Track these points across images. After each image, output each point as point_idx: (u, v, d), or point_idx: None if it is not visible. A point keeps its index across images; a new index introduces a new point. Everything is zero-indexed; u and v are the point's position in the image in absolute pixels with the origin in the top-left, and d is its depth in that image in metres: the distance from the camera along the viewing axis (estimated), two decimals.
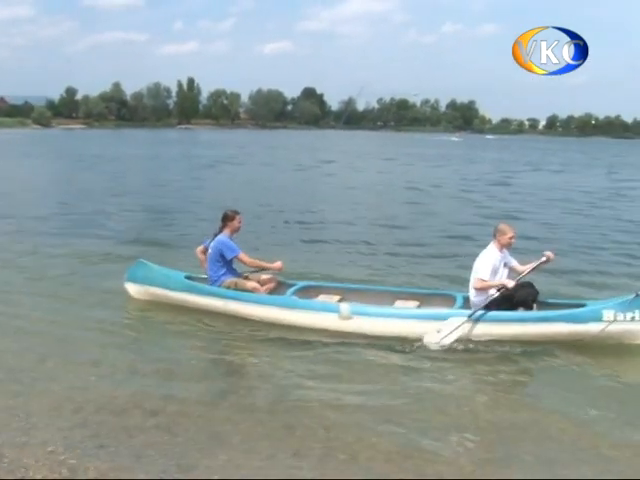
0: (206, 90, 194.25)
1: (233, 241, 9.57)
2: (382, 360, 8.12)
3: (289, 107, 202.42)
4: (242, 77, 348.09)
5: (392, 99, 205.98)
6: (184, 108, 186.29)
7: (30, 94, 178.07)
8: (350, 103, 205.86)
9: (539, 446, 5.96)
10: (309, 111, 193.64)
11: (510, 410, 6.98)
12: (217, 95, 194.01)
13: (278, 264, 9.62)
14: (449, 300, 9.19)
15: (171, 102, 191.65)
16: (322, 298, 9.47)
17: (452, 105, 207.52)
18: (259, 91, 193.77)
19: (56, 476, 5.13)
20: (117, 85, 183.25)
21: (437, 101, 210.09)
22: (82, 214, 20.27)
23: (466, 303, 8.89)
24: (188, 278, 9.92)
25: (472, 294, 8.84)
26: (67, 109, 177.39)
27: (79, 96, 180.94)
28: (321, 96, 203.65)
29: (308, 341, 8.63)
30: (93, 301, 10.33)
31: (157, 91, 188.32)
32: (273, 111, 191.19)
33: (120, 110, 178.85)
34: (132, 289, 10.15)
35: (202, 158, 51.21)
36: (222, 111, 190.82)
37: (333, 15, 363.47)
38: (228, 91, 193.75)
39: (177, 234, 17.16)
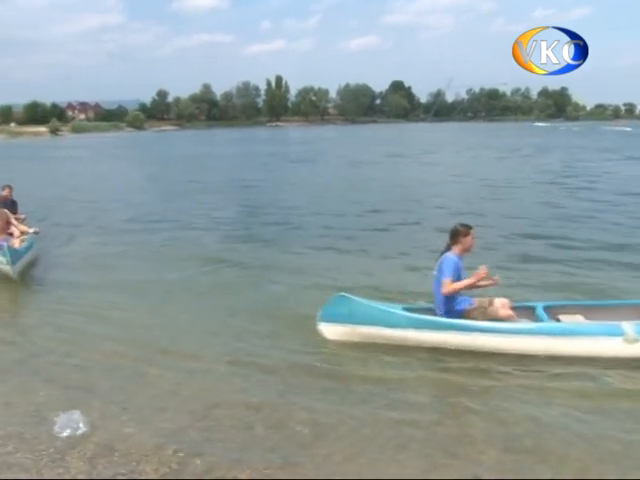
0: (294, 87, 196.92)
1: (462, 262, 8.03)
2: None
3: (377, 101, 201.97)
4: (329, 73, 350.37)
5: (482, 89, 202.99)
6: (273, 106, 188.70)
7: (123, 98, 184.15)
8: (439, 95, 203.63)
9: None
10: (398, 104, 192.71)
11: None
12: (305, 92, 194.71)
13: (495, 279, 8.13)
14: None
15: (260, 100, 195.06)
16: (564, 318, 8.12)
17: (544, 93, 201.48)
18: (347, 86, 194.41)
19: (166, 469, 5.17)
20: (207, 86, 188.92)
21: (528, 89, 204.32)
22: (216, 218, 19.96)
23: None
24: (406, 310, 8.24)
25: None
26: (159, 111, 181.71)
27: (170, 98, 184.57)
28: (409, 89, 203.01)
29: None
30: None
31: (246, 90, 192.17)
32: (362, 106, 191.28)
33: (210, 110, 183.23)
34: (331, 330, 8.24)
35: (300, 155, 51.92)
36: (311, 108, 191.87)
37: (418, 7, 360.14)
38: (316, 87, 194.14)
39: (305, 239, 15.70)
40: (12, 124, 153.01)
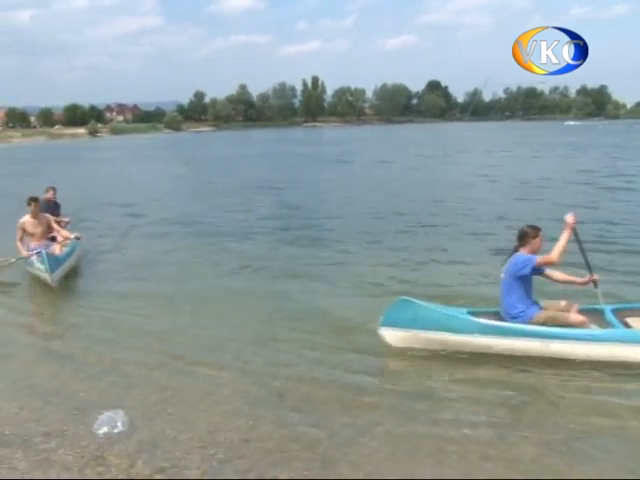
0: (330, 88, 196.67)
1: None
2: None
3: (414, 101, 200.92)
4: (365, 73, 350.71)
5: (519, 88, 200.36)
6: (309, 106, 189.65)
7: (161, 100, 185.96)
8: (476, 94, 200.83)
9: None
10: (434, 104, 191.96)
11: None
12: (342, 92, 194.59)
13: (595, 278, 7.86)
14: None
15: (296, 101, 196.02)
16: (632, 321, 7.73)
17: (583, 91, 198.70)
18: (383, 86, 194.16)
19: (206, 467, 5.20)
20: (243, 87, 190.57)
21: (566, 88, 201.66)
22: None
23: None
24: (471, 314, 7.91)
25: None
26: (196, 113, 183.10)
27: (207, 99, 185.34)
28: (446, 88, 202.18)
29: None
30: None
31: (282, 91, 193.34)
32: (398, 105, 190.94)
33: (247, 111, 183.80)
34: (392, 335, 7.87)
35: (336, 155, 51.55)
36: (347, 108, 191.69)
37: (454, 6, 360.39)
38: (352, 88, 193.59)
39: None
40: (57, 126, 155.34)
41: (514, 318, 7.67)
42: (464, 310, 8.10)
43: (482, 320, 7.69)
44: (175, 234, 16.82)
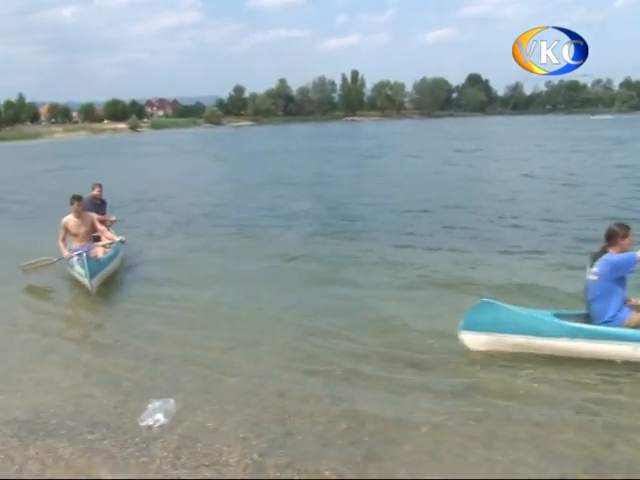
0: (370, 82, 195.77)
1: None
2: None
3: (454, 95, 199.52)
4: (405, 67, 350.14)
5: (561, 81, 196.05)
6: (349, 100, 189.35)
7: (201, 95, 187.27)
8: (517, 88, 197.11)
9: None
10: (475, 98, 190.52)
11: None
12: (381, 86, 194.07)
13: None
14: None
15: (336, 95, 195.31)
16: None
17: (626, 84, 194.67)
18: (423, 80, 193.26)
19: (248, 461, 5.20)
20: (283, 81, 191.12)
21: (610, 80, 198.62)
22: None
23: None
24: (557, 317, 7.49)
25: None
26: (236, 107, 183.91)
27: (247, 94, 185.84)
28: (486, 82, 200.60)
29: None
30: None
31: (322, 85, 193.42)
32: (438, 99, 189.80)
33: (287, 105, 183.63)
34: (474, 339, 7.51)
35: (375, 149, 51.05)
36: (387, 102, 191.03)
37: None
38: (392, 82, 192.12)
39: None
40: (105, 121, 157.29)
41: (607, 322, 7.30)
42: (548, 313, 7.70)
43: (572, 323, 7.36)
44: (214, 229, 16.91)
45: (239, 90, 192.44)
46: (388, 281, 10.95)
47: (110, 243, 11.89)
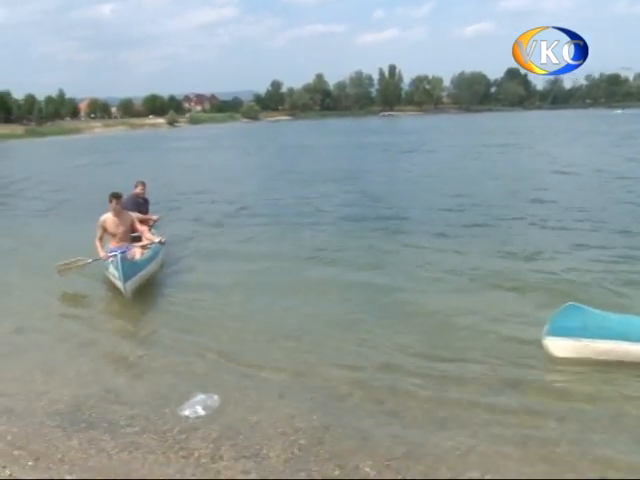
0: (407, 76, 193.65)
1: None
2: None
3: (492, 89, 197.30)
4: (443, 61, 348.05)
5: (602, 75, 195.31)
6: (386, 95, 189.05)
7: (238, 89, 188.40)
8: (556, 82, 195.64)
9: None
10: (513, 92, 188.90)
11: None
12: (419, 81, 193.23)
13: None
14: None
15: (373, 90, 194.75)
16: None
17: None
18: (462, 74, 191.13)
19: (288, 455, 5.22)
20: (320, 76, 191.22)
21: None
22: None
23: None
24: None
25: None
26: (273, 102, 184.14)
27: (284, 89, 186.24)
28: (525, 76, 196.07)
29: None
30: None
31: (359, 80, 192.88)
32: (476, 94, 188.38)
33: (324, 100, 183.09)
34: (560, 346, 7.10)
35: (412, 144, 50.75)
36: (424, 96, 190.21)
37: None
38: (430, 76, 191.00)
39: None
40: (150, 116, 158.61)
41: None
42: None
43: None
44: (250, 225, 16.80)
45: (276, 85, 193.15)
46: (427, 276, 10.84)
47: (149, 244, 11.37)
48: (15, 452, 5.46)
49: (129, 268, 10.02)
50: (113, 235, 11.08)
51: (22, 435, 5.77)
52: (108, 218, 11.00)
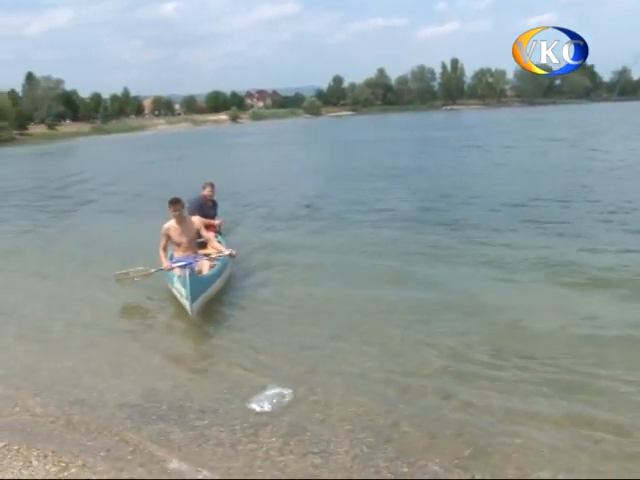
0: (470, 70, 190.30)
1: None
2: None
3: (557, 81, 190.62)
4: (506, 54, 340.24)
5: None
6: (449, 89, 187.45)
7: (299, 85, 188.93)
8: (624, 72, 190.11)
9: None
10: (579, 84, 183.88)
11: None
12: (482, 74, 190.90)
13: None
14: None
15: (435, 84, 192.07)
16: None
17: None
18: None
19: (356, 452, 5.20)
20: (381, 71, 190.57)
21: None
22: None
23: None
24: None
25: None
26: (335, 97, 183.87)
27: (345, 84, 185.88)
28: (591, 67, 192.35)
29: None
30: None
31: (421, 74, 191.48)
32: (541, 86, 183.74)
33: (385, 95, 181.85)
34: None
35: (476, 139, 49.79)
36: (487, 90, 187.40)
37: None
38: (493, 69, 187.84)
39: None
40: (223, 113, 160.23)
41: None
42: None
43: None
44: (315, 222, 16.69)
45: (338, 80, 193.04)
46: (495, 274, 10.59)
47: (218, 256, 10.45)
48: (89, 443, 5.60)
49: (197, 285, 9.02)
50: (178, 244, 10.28)
51: (94, 426, 5.91)
52: (171, 226, 10.15)
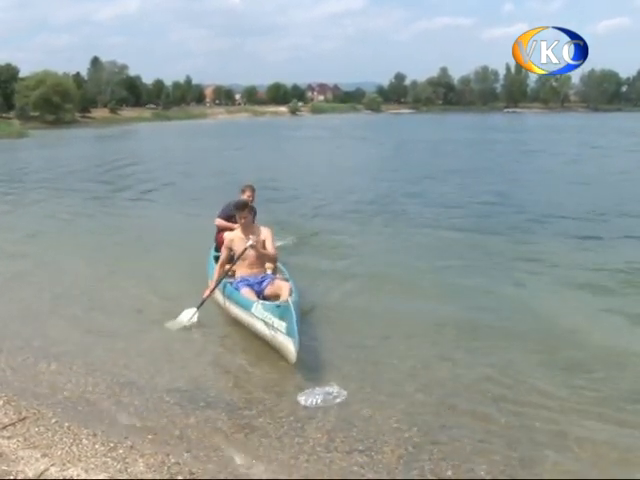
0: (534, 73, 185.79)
1: None
2: None
3: (624, 88, 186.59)
4: None
5: None
6: (511, 92, 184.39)
7: (361, 80, 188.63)
8: None
9: None
10: None
11: None
12: (546, 78, 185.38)
13: None
14: None
15: (498, 86, 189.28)
16: None
17: None
18: (592, 72, 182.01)
19: (402, 451, 5.16)
20: (444, 70, 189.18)
21: None
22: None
23: None
24: None
25: None
26: (396, 94, 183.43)
27: (407, 82, 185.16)
28: None
29: None
30: None
31: (484, 75, 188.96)
32: (606, 93, 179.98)
33: (447, 94, 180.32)
34: None
35: (537, 144, 49.41)
36: (551, 94, 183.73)
37: None
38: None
39: None
40: (282, 107, 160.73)
41: None
42: None
43: None
44: (374, 221, 16.52)
45: (400, 77, 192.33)
46: (562, 283, 10.42)
47: (285, 279, 8.69)
48: (137, 424, 5.69)
49: (298, 318, 6.86)
50: (242, 259, 8.40)
51: (143, 409, 6.00)
52: (236, 237, 8.47)
